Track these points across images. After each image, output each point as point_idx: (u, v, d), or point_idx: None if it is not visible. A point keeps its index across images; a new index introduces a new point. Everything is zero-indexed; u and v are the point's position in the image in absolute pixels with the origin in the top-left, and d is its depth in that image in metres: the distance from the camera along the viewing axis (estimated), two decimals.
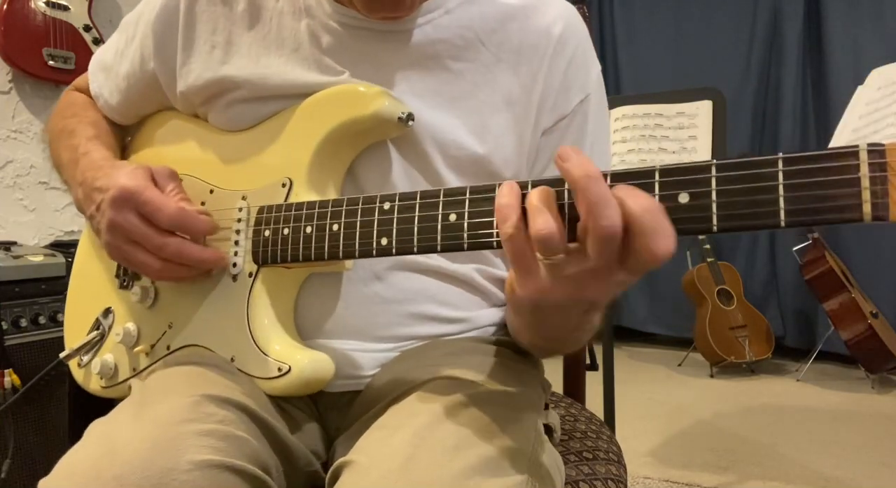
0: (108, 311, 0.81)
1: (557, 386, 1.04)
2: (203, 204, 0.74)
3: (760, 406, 2.71)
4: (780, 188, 0.39)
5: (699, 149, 1.78)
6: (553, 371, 1.06)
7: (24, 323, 1.55)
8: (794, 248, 3.12)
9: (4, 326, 1.52)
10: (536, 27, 0.71)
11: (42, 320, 1.58)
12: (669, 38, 3.71)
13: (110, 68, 0.84)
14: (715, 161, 0.42)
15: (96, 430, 0.57)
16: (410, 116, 0.66)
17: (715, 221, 0.41)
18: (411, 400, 0.62)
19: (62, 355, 0.83)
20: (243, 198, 0.71)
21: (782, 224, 0.39)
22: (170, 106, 0.82)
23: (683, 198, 0.42)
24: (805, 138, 3.40)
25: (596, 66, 0.76)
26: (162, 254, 0.66)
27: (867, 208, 0.37)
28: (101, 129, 0.83)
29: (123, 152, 0.86)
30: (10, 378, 1.48)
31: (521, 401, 0.64)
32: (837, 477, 2.03)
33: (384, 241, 0.58)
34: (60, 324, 1.55)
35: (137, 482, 0.49)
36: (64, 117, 0.85)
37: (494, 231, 0.51)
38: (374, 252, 0.59)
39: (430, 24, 0.70)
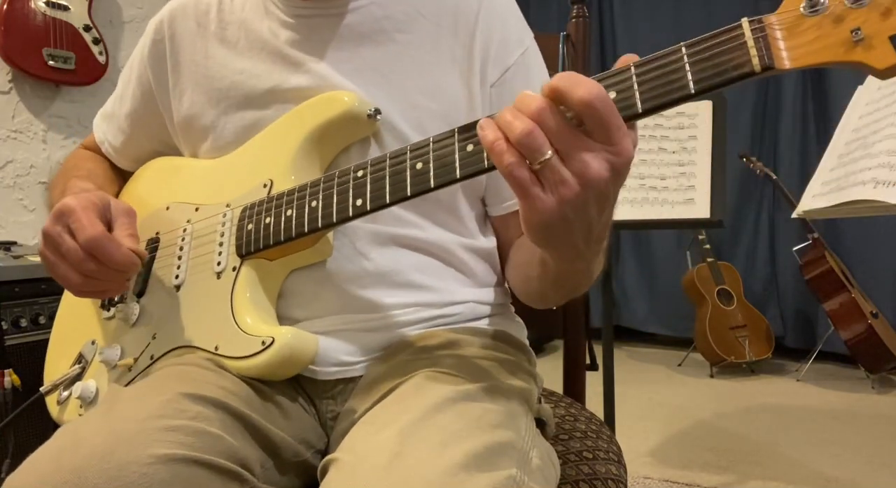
0: (91, 343, 0.81)
1: (557, 386, 1.04)
2: (189, 221, 0.77)
3: (760, 406, 2.71)
4: (687, 66, 0.48)
5: (699, 149, 1.78)
6: (553, 370, 1.06)
7: (24, 323, 1.55)
8: (794, 248, 3.11)
9: (4, 326, 1.52)
10: None
11: (42, 320, 1.58)
12: (669, 37, 3.66)
13: (111, 115, 0.91)
14: (632, 64, 0.49)
15: (64, 428, 0.57)
16: (378, 111, 0.71)
17: (639, 105, 0.49)
18: (400, 395, 0.62)
19: (43, 389, 0.83)
20: (227, 206, 0.74)
21: (692, 90, 0.48)
22: (170, 144, 0.86)
23: (611, 94, 0.49)
24: (805, 138, 3.40)
25: (528, 28, 0.82)
26: (81, 270, 0.67)
27: (756, 61, 0.46)
28: (94, 173, 0.88)
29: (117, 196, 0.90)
30: (10, 378, 1.48)
31: (512, 395, 0.65)
32: (837, 477, 2.03)
33: (359, 202, 0.61)
34: None
35: (96, 474, 0.49)
36: (66, 169, 0.90)
37: (457, 166, 0.55)
38: (351, 213, 0.62)
39: (374, 4, 0.76)
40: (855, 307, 2.83)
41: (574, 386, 1.06)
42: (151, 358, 0.73)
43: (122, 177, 0.93)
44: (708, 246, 3.27)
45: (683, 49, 0.48)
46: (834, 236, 3.17)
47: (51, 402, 0.83)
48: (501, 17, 0.78)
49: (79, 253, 0.66)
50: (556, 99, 0.47)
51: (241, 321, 0.67)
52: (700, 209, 1.78)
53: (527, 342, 0.83)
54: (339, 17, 0.75)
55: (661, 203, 1.78)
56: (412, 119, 0.74)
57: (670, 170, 1.80)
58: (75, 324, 0.85)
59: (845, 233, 3.21)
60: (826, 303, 2.93)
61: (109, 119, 0.91)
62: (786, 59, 0.46)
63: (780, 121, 3.47)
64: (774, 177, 3.14)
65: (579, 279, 0.63)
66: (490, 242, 0.81)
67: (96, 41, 2.24)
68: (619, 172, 0.48)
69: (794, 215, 1.56)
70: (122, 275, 0.69)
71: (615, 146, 0.47)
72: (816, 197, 1.41)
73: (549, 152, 0.47)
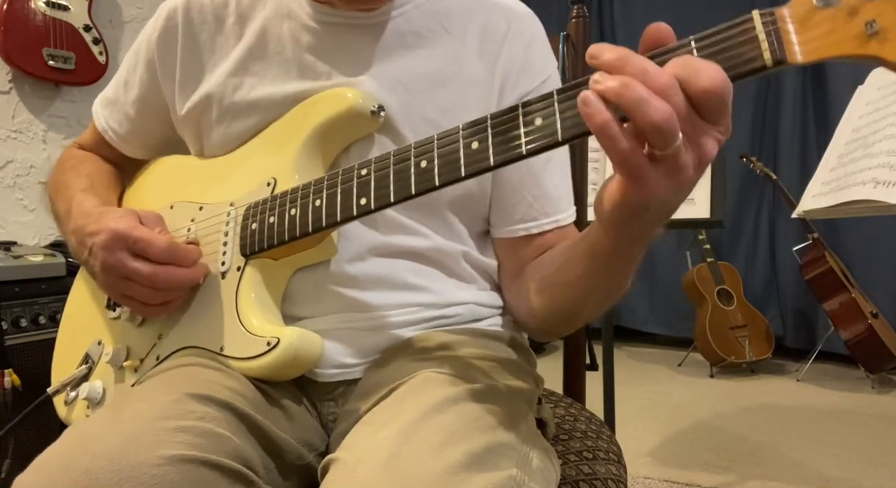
0: (97, 344, 0.81)
1: (557, 386, 1.04)
2: (192, 220, 0.77)
3: (760, 406, 2.71)
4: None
5: None
6: (553, 370, 1.06)
7: (24, 323, 1.55)
8: (794, 248, 3.12)
9: (4, 326, 1.52)
10: (495, 17, 0.77)
11: (42, 320, 1.58)
12: None
13: (115, 101, 0.88)
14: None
15: (72, 428, 0.57)
16: (381, 108, 0.70)
17: None
18: (400, 396, 0.62)
19: (50, 390, 0.83)
20: (231, 204, 0.74)
21: None
22: (175, 132, 0.85)
23: None
24: (805, 138, 3.40)
25: (553, 57, 0.81)
26: (155, 284, 0.69)
27: (767, 55, 0.44)
28: (96, 181, 0.86)
29: (121, 198, 0.89)
30: (10, 378, 1.48)
31: (512, 395, 0.65)
32: (837, 477, 2.03)
33: (363, 201, 0.61)
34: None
35: (107, 475, 0.49)
36: (62, 171, 0.88)
37: (462, 164, 0.54)
38: (355, 212, 0.61)
39: (402, 16, 0.75)
40: (855, 307, 2.84)
41: (574, 386, 1.06)
42: (157, 358, 0.73)
43: (121, 177, 0.92)
44: (708, 246, 3.27)
45: (693, 42, 0.47)
46: (834, 236, 3.17)
47: (58, 403, 0.83)
48: (527, 42, 0.77)
49: (145, 270, 0.68)
50: None
51: (246, 321, 0.67)
52: (700, 209, 1.78)
53: (527, 342, 0.83)
54: (365, 27, 0.74)
55: None
56: (423, 134, 0.73)
57: None
58: (81, 323, 0.85)
59: (845, 233, 3.20)
60: (826, 303, 2.93)
61: (112, 106, 0.88)
62: (798, 53, 0.44)
63: (780, 121, 3.47)
64: (774, 177, 3.14)
65: (624, 275, 0.62)
66: (491, 262, 0.80)
67: (96, 41, 2.24)
68: (715, 148, 0.47)
69: (794, 215, 1.56)
70: (191, 275, 0.71)
71: (724, 125, 0.46)
72: (816, 197, 1.41)
73: (680, 138, 0.44)
